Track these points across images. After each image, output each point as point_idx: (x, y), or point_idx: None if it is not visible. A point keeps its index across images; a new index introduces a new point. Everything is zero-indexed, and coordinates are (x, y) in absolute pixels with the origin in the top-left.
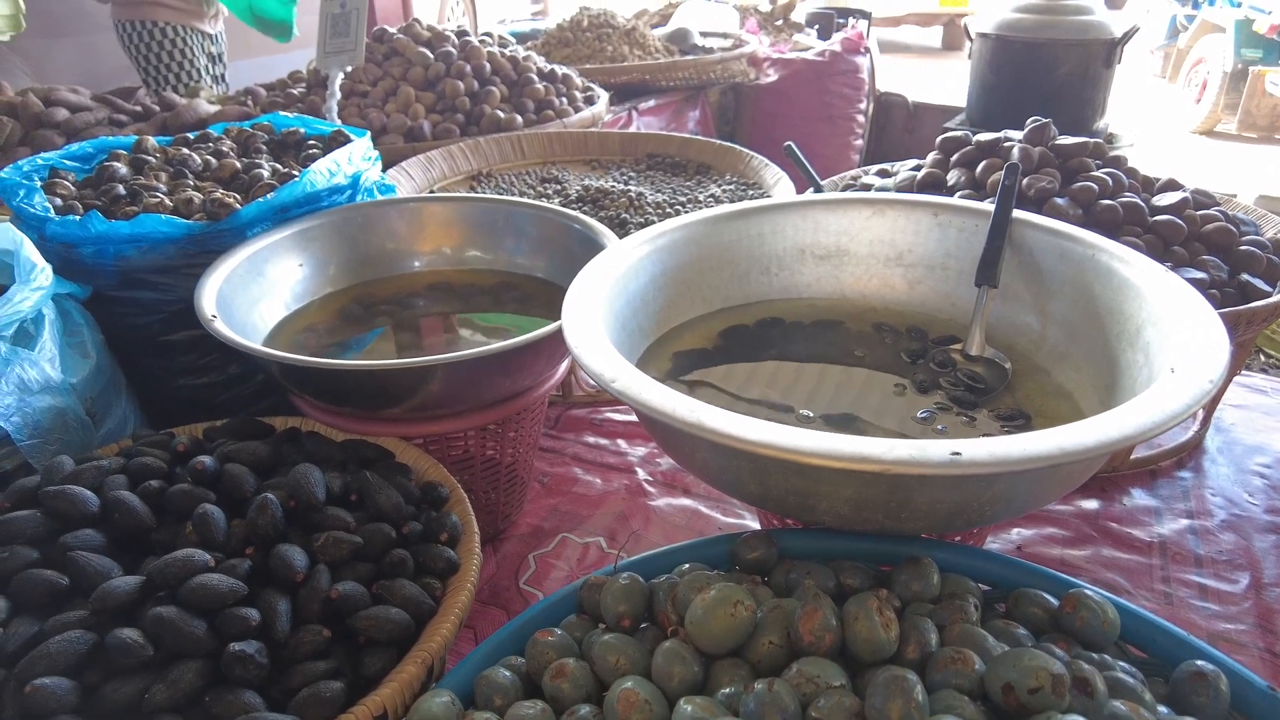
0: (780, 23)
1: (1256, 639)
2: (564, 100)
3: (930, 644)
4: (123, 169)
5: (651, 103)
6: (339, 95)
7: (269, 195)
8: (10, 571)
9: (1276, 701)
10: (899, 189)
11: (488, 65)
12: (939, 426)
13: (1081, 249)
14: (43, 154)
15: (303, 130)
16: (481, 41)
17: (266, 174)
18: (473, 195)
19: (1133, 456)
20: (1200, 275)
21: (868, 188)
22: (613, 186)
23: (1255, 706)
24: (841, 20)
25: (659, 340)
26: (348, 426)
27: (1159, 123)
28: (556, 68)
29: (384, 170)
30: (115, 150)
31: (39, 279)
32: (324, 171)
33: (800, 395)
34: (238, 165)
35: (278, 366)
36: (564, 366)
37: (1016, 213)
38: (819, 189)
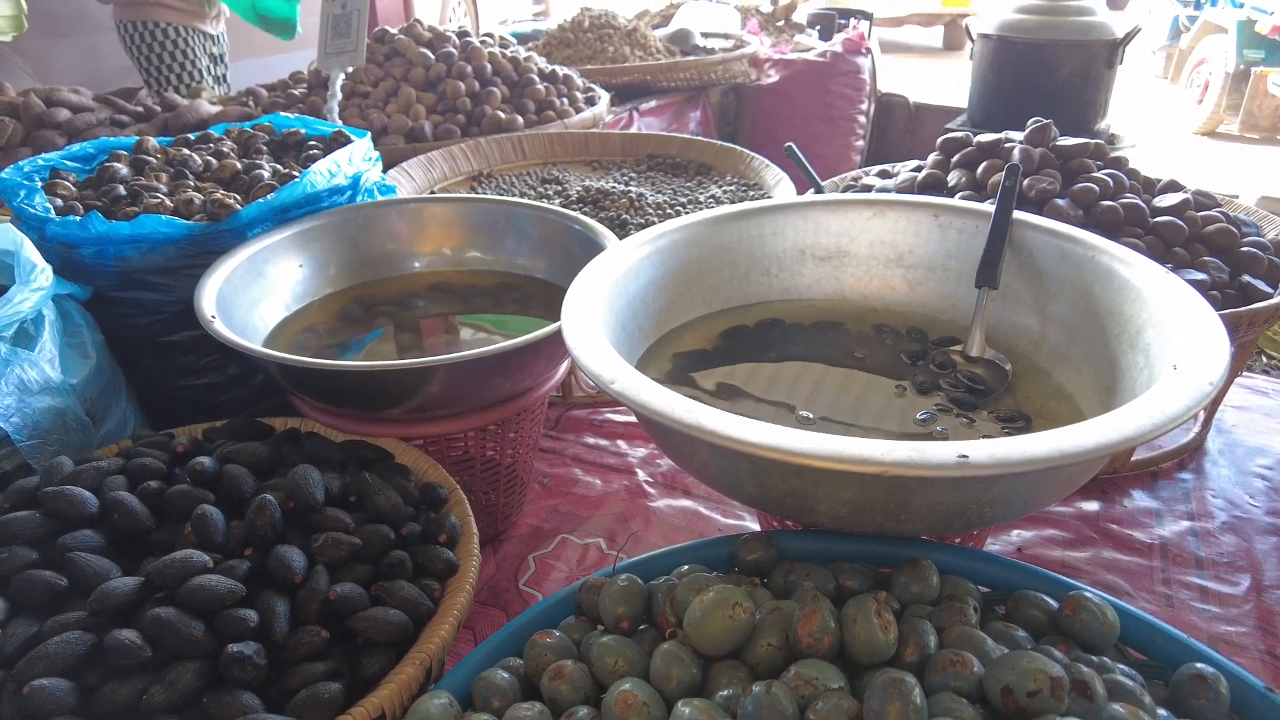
0: (781, 23)
1: (1257, 641)
2: (565, 101)
3: (929, 646)
4: (123, 169)
5: (652, 103)
6: (340, 96)
7: (269, 196)
8: (9, 572)
9: (1274, 703)
10: (899, 190)
11: (489, 66)
12: (939, 428)
13: (1082, 250)
14: (44, 154)
15: (303, 131)
16: (483, 42)
17: (267, 174)
18: (473, 196)
19: (1133, 458)
20: (1201, 276)
21: (868, 189)
22: (613, 187)
23: (1255, 709)
24: (843, 21)
25: (659, 341)
26: (347, 427)
27: (1161, 123)
28: (558, 68)
29: (384, 171)
30: (116, 151)
31: (39, 279)
32: (324, 172)
33: (800, 396)
34: (238, 166)
35: (277, 367)
36: (564, 367)
37: (1017, 214)
38: (819, 190)
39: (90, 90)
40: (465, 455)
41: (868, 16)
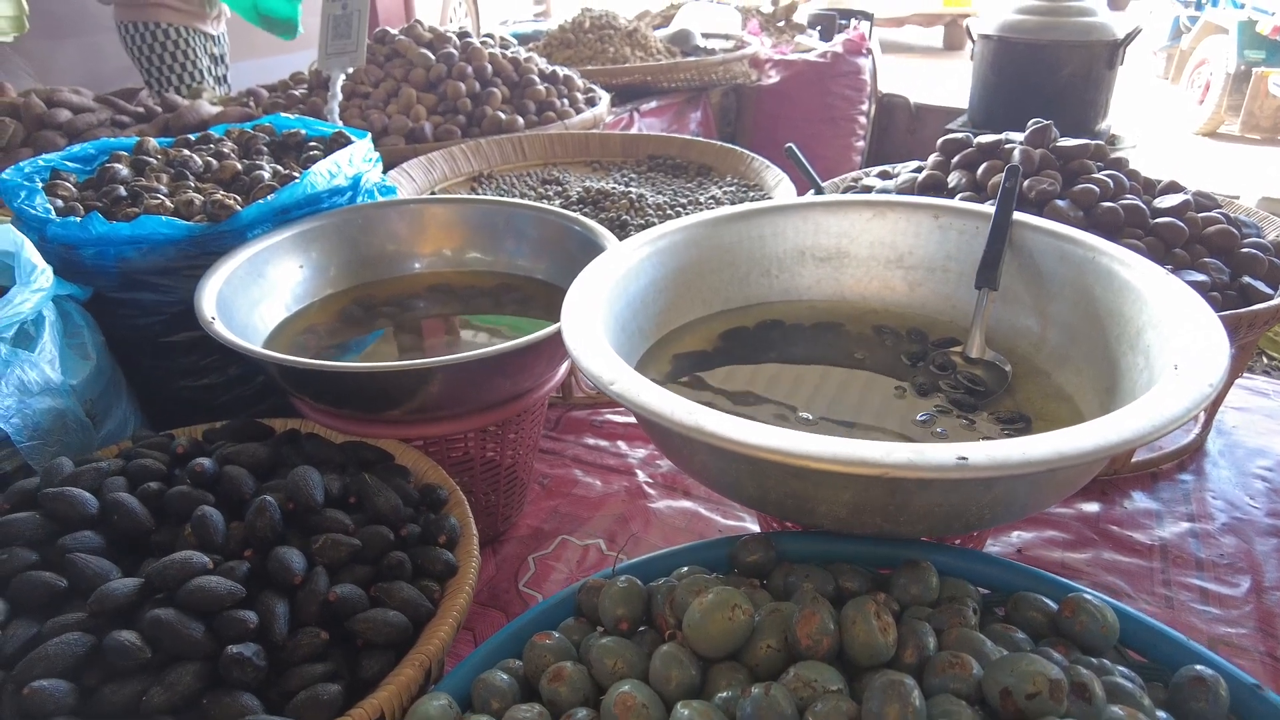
0: (782, 24)
1: (1258, 643)
2: (565, 101)
3: (928, 648)
4: (124, 170)
5: (653, 104)
6: (340, 96)
7: (269, 197)
8: (9, 573)
9: (1272, 705)
10: (900, 191)
11: (489, 67)
12: (939, 429)
13: (1082, 251)
14: (44, 155)
15: (304, 131)
16: (483, 43)
17: (267, 175)
18: (473, 197)
19: (1134, 459)
20: (1201, 278)
21: (868, 189)
22: (613, 188)
23: (1255, 711)
24: (843, 21)
25: (659, 342)
26: (347, 428)
27: (1162, 124)
28: (558, 69)
29: (385, 171)
30: (116, 151)
31: (39, 280)
32: (325, 173)
33: (800, 398)
34: (239, 167)
35: (277, 368)
36: (564, 368)
37: (1017, 215)
38: (820, 191)
39: (91, 91)
40: (465, 456)
41: (868, 17)
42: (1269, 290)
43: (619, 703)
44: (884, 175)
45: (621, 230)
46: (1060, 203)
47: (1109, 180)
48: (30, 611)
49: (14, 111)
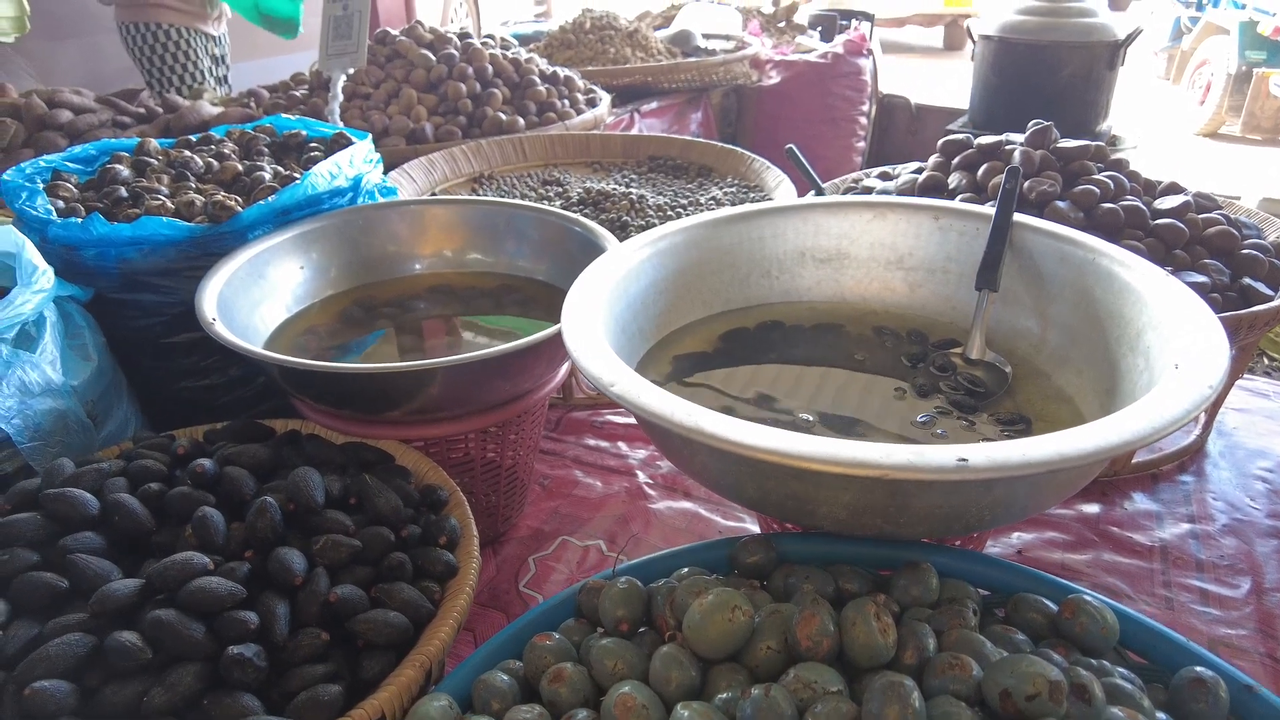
0: (783, 25)
1: (1258, 644)
2: (566, 102)
3: (928, 649)
4: (125, 171)
5: (654, 105)
6: (341, 97)
7: (270, 198)
8: (10, 574)
9: (1270, 705)
10: (900, 192)
11: (490, 67)
12: (939, 430)
13: (1082, 253)
14: (46, 156)
15: (305, 132)
16: (484, 43)
17: (268, 176)
18: (474, 198)
19: (1134, 460)
20: (1202, 279)
21: (869, 191)
22: (614, 189)
23: (1254, 712)
24: (844, 22)
25: (659, 343)
26: (348, 429)
27: (1163, 125)
28: (559, 70)
29: (386, 172)
30: (117, 152)
31: (41, 281)
32: (325, 174)
33: (800, 399)
34: (239, 167)
35: (278, 369)
36: (564, 369)
37: (1017, 216)
38: (820, 192)
39: (92, 91)
40: (466, 457)
41: (869, 18)
42: (1269, 291)
43: (619, 704)
44: (884, 176)
45: (622, 231)
46: (1060, 204)
47: (1109, 181)
48: (31, 612)
49: (15, 112)
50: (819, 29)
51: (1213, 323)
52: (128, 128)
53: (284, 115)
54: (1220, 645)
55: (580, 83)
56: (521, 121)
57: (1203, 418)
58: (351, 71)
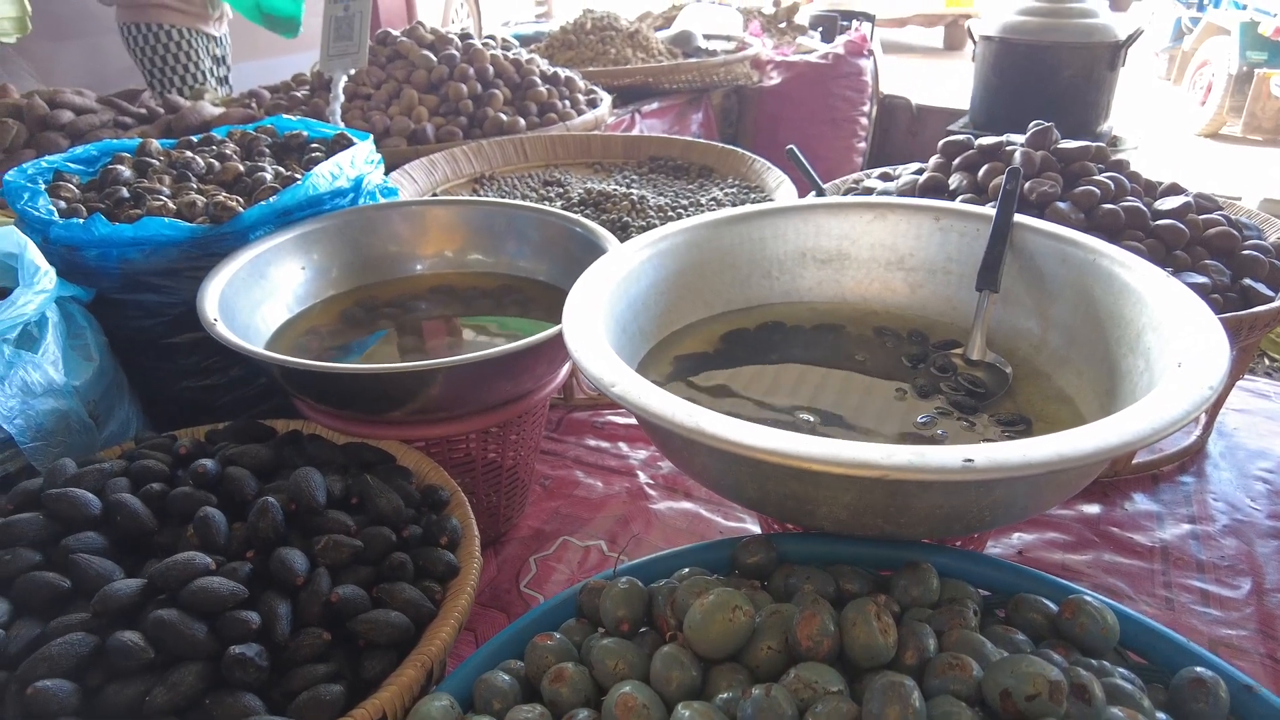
0: (784, 25)
1: (1258, 645)
2: (567, 103)
3: (928, 649)
4: (126, 172)
5: (654, 105)
6: (342, 98)
7: (272, 198)
8: (12, 574)
9: (1270, 705)
10: (901, 193)
11: (491, 68)
12: (939, 431)
13: (1082, 254)
14: (47, 157)
15: (306, 133)
16: (485, 44)
17: (269, 177)
18: (475, 199)
19: (1135, 461)
20: (1202, 280)
21: (869, 191)
22: (615, 189)
23: (1254, 712)
24: (845, 23)
25: (660, 344)
26: (349, 429)
27: (1164, 125)
28: (560, 70)
29: (387, 173)
30: (119, 153)
31: (43, 282)
32: (327, 174)
33: (801, 399)
34: (241, 168)
35: (279, 370)
36: (565, 370)
37: (1018, 217)
38: (821, 193)
39: (94, 92)
40: (467, 457)
41: (870, 18)
42: (1270, 292)
43: (620, 703)
44: (885, 177)
45: (623, 232)
46: (1061, 205)
47: (1110, 182)
48: (34, 612)
49: (17, 113)
50: (820, 29)
51: (1213, 323)
52: (129, 128)
53: (285, 116)
54: (1221, 646)
55: (581, 83)
56: (522, 122)
57: (1203, 418)
58: (353, 72)
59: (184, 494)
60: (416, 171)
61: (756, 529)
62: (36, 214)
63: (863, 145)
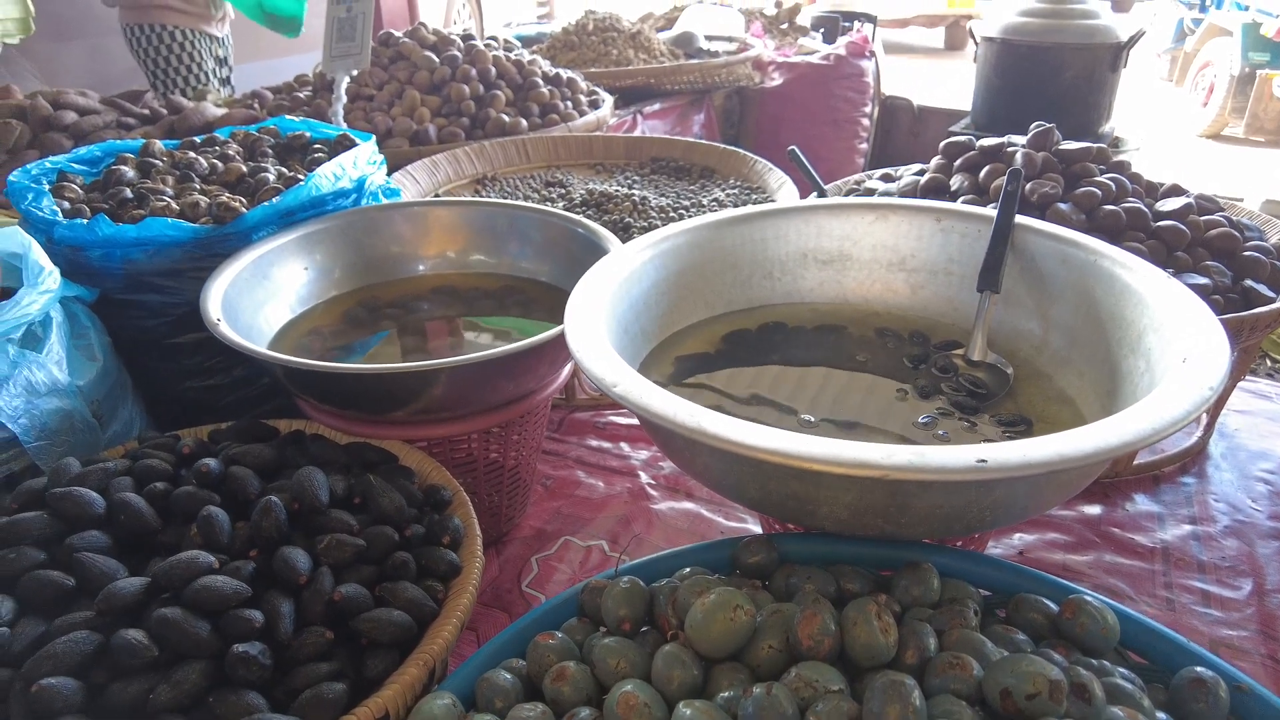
0: (785, 26)
1: (1259, 645)
2: (569, 104)
3: (929, 649)
4: (130, 172)
5: (656, 106)
6: (344, 99)
7: (274, 199)
8: (17, 572)
9: (1270, 705)
10: (902, 194)
11: (493, 69)
12: (940, 432)
13: (1084, 254)
14: (51, 157)
15: (308, 134)
16: (487, 45)
17: (272, 177)
18: (477, 199)
19: (1136, 462)
20: (1203, 281)
21: (871, 192)
22: (617, 190)
23: (1254, 712)
24: (847, 24)
25: (661, 344)
26: (352, 429)
27: (1166, 126)
28: (561, 71)
29: (389, 174)
30: (122, 154)
31: (47, 282)
32: (329, 175)
33: (802, 400)
34: (244, 169)
35: (282, 370)
36: (567, 370)
37: (1019, 218)
38: (822, 193)
39: (97, 93)
40: (469, 457)
41: (872, 19)
42: (1271, 294)
43: (621, 702)
44: (886, 178)
45: (624, 233)
46: (1062, 206)
47: (1111, 183)
48: (38, 610)
49: (20, 113)
50: (821, 30)
51: (1214, 325)
52: (132, 129)
53: (288, 117)
54: (1221, 646)
55: (583, 84)
56: (524, 123)
57: (1204, 419)
58: (355, 73)
59: (187, 493)
60: (419, 172)
61: (758, 529)
62: (40, 214)
63: (864, 146)
